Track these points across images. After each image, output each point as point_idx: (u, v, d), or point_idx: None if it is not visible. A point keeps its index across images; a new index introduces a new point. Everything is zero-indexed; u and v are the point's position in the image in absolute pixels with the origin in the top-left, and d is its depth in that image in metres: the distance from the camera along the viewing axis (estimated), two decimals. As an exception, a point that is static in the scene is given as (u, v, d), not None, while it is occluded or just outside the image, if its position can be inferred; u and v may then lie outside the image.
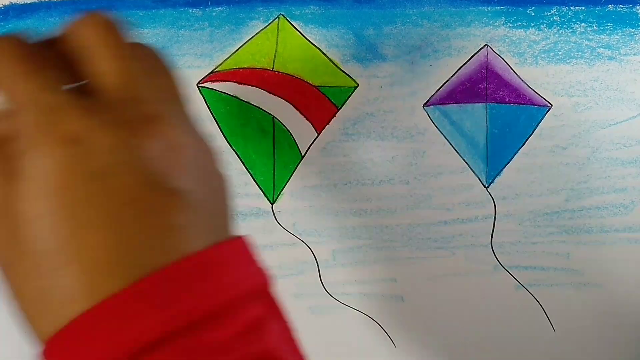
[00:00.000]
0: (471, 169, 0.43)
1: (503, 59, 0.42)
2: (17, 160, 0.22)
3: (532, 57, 0.42)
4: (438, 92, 0.42)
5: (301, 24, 0.42)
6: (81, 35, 0.24)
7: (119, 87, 0.23)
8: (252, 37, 0.42)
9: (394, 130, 0.42)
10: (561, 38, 0.42)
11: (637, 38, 0.42)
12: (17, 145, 0.22)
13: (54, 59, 0.24)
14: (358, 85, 0.42)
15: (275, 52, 0.42)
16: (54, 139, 0.22)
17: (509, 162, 0.43)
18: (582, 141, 0.43)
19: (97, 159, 0.22)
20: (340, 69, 0.42)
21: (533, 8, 0.42)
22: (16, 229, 0.22)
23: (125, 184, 0.22)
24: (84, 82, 0.24)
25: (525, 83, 0.42)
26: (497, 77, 0.42)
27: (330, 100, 0.42)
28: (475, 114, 0.42)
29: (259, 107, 0.42)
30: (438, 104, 0.42)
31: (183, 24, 0.41)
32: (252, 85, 0.42)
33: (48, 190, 0.22)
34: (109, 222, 0.22)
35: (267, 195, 0.42)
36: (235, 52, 0.42)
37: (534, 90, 0.42)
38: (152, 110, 0.24)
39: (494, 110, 0.42)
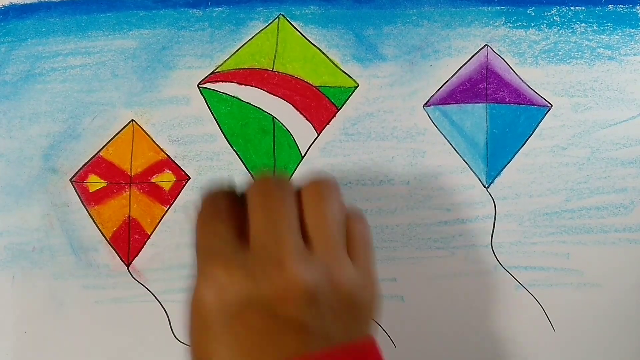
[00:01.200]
0: (471, 169, 0.43)
1: (503, 59, 0.42)
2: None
3: (532, 57, 0.42)
4: (438, 92, 0.42)
5: (301, 24, 0.42)
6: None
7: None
8: (252, 38, 0.42)
9: (394, 130, 0.42)
10: (561, 38, 0.42)
11: (637, 38, 0.43)
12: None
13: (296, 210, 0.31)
14: (358, 85, 0.42)
15: (276, 53, 0.42)
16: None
17: (509, 162, 0.43)
18: (582, 141, 0.43)
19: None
20: (340, 69, 0.42)
21: (533, 8, 0.42)
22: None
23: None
24: None
25: (525, 83, 0.42)
26: (497, 77, 0.42)
27: (330, 100, 0.42)
28: (475, 114, 0.42)
29: (259, 108, 0.42)
30: (438, 104, 0.42)
31: (183, 24, 0.41)
32: (252, 86, 0.42)
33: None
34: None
35: (267, 195, 0.42)
36: (235, 52, 0.42)
37: (534, 90, 0.42)
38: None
39: (494, 110, 0.42)
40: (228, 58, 0.42)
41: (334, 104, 0.42)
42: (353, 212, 0.33)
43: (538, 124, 0.43)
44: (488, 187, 0.43)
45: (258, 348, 0.28)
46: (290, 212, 0.31)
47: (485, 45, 0.42)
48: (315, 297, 0.29)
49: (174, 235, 0.42)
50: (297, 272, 0.29)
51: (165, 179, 0.42)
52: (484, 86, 0.42)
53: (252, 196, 0.31)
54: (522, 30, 0.42)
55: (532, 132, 0.43)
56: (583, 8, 0.42)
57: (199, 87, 0.41)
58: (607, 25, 0.42)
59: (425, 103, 0.42)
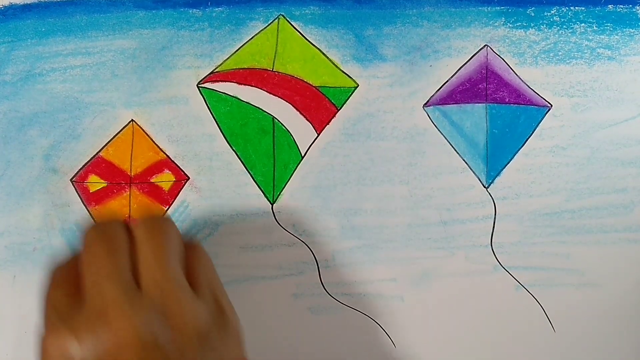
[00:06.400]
0: (471, 169, 0.43)
1: (503, 59, 0.42)
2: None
3: (532, 58, 0.42)
4: (438, 93, 0.42)
5: (301, 24, 0.42)
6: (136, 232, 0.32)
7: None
8: (252, 38, 0.42)
9: (394, 130, 0.42)
10: (561, 38, 0.42)
11: (636, 38, 0.43)
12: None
13: (126, 251, 0.31)
14: (358, 85, 0.42)
15: (275, 53, 0.42)
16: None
17: (509, 163, 0.43)
18: (582, 141, 0.43)
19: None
20: (340, 70, 0.42)
21: (533, 8, 0.42)
22: None
23: None
24: None
25: (525, 83, 0.42)
26: (497, 77, 0.42)
27: (330, 101, 0.42)
28: (475, 114, 0.42)
29: (259, 108, 0.42)
30: (438, 104, 0.42)
31: (183, 24, 0.41)
32: (252, 86, 0.42)
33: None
34: None
35: (267, 195, 0.42)
36: (235, 52, 0.42)
37: (533, 90, 0.42)
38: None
39: (494, 110, 0.42)
40: (228, 58, 0.42)
41: (334, 104, 0.42)
42: (191, 245, 0.33)
43: (538, 124, 0.43)
44: (488, 187, 0.43)
45: None
46: (119, 257, 0.30)
47: (485, 46, 0.42)
48: (152, 342, 0.28)
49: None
50: (123, 322, 0.28)
51: (164, 179, 0.42)
52: (483, 86, 0.42)
53: (84, 245, 0.31)
54: (522, 30, 0.42)
55: (532, 132, 0.43)
56: (583, 8, 0.42)
57: (198, 87, 0.42)
58: (607, 26, 0.42)
59: (425, 103, 0.42)
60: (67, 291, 0.30)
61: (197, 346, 0.30)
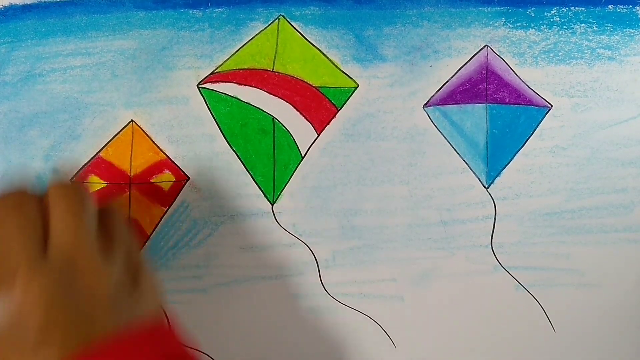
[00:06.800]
0: (471, 169, 0.43)
1: (503, 60, 0.42)
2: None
3: (532, 58, 0.42)
4: (438, 93, 0.42)
5: (301, 24, 0.42)
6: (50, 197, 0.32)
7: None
8: (252, 38, 0.42)
9: (394, 131, 0.42)
10: (561, 39, 0.42)
11: (637, 39, 0.43)
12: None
13: (36, 216, 0.31)
14: (358, 85, 0.42)
15: (275, 53, 0.42)
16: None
17: (509, 163, 0.43)
18: (582, 142, 0.43)
19: None
20: (340, 70, 0.42)
21: (533, 9, 0.42)
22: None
23: None
24: None
25: (525, 83, 0.42)
26: (497, 77, 0.42)
27: (330, 101, 0.42)
28: (475, 115, 0.42)
29: (259, 108, 0.42)
30: (438, 105, 0.42)
31: (183, 25, 0.41)
32: (252, 86, 0.42)
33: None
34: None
35: (267, 195, 0.42)
36: (235, 53, 0.42)
37: (534, 90, 0.42)
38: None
39: (494, 110, 0.42)
40: (228, 58, 0.42)
41: (334, 105, 0.42)
42: (105, 209, 0.34)
43: (538, 125, 0.43)
44: (488, 188, 0.43)
45: None
46: (28, 222, 0.31)
47: (485, 46, 0.42)
48: (59, 302, 0.29)
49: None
50: (29, 284, 0.29)
51: (164, 180, 0.42)
52: (484, 86, 0.42)
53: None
54: (522, 30, 0.42)
55: (532, 133, 0.43)
56: (583, 8, 0.42)
57: (198, 88, 0.41)
58: (607, 26, 0.42)
59: (425, 103, 0.42)
60: None
61: (107, 306, 0.30)
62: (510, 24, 0.42)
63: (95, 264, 0.31)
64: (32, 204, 0.31)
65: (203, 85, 0.42)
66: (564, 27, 0.42)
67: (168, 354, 0.31)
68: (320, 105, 0.42)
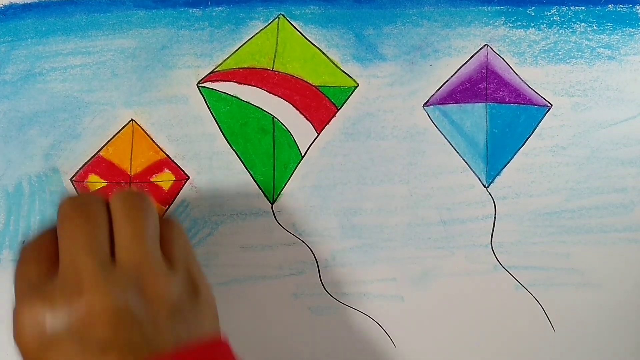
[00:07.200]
0: (471, 169, 0.43)
1: (503, 59, 0.42)
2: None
3: (532, 57, 0.42)
4: (438, 92, 0.42)
5: (301, 23, 0.42)
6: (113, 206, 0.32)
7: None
8: (252, 37, 0.42)
9: (393, 130, 0.42)
10: (561, 38, 0.42)
11: (637, 38, 0.43)
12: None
13: (103, 225, 0.31)
14: (358, 85, 0.42)
15: (275, 52, 0.42)
16: None
17: (509, 162, 0.43)
18: (582, 141, 0.43)
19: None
20: (340, 69, 0.42)
21: (533, 8, 0.42)
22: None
23: None
24: None
25: (525, 83, 0.42)
26: (497, 77, 0.42)
27: (330, 100, 0.42)
28: (475, 114, 0.42)
29: (259, 107, 0.42)
30: (438, 104, 0.42)
31: (183, 23, 0.41)
32: (252, 85, 0.42)
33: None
34: None
35: (267, 195, 0.42)
36: (235, 52, 0.42)
37: (534, 90, 0.42)
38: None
39: (494, 110, 0.42)
40: (228, 57, 0.42)
41: (334, 104, 0.42)
42: (167, 221, 0.34)
43: (538, 124, 0.43)
44: (488, 187, 0.43)
45: None
46: (96, 229, 0.31)
47: (485, 45, 0.42)
48: (125, 313, 0.29)
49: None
50: (97, 292, 0.29)
51: (164, 179, 0.42)
52: (483, 86, 0.42)
53: (60, 217, 0.31)
54: (522, 30, 0.42)
55: (532, 132, 0.43)
56: (583, 8, 0.42)
57: (198, 87, 0.42)
58: (607, 25, 0.42)
59: (425, 103, 0.42)
60: (39, 264, 0.30)
61: (170, 318, 0.30)
62: (510, 23, 0.42)
63: (161, 276, 0.31)
64: (99, 209, 0.31)
65: (203, 85, 0.42)
66: (564, 26, 0.42)
67: None
68: (320, 105, 0.42)
